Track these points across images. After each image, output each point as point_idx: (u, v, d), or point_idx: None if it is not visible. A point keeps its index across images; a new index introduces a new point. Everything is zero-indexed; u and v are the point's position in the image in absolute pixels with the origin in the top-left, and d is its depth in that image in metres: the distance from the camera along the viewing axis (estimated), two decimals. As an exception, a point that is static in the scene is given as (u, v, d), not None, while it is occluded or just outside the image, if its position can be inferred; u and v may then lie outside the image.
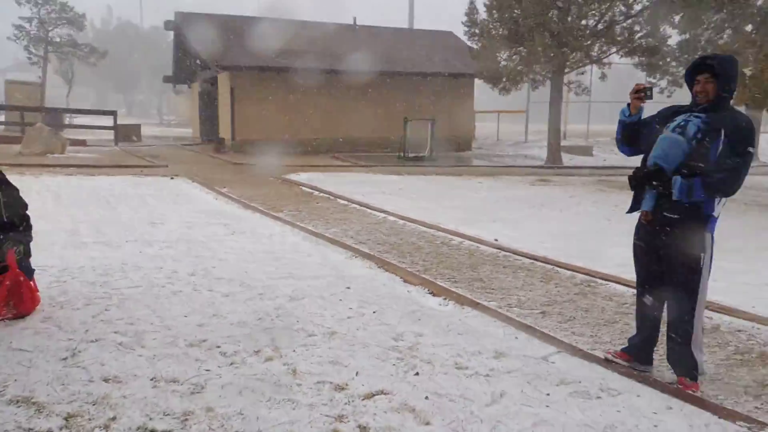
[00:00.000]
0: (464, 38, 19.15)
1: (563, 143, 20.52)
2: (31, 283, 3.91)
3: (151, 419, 2.62)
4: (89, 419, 2.60)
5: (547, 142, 18.50)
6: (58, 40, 29.66)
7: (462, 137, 21.84)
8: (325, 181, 11.91)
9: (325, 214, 8.48)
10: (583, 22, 16.24)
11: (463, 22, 17.50)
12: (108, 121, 21.45)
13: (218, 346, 3.45)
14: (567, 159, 18.94)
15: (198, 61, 21.22)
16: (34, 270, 4.03)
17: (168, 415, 2.66)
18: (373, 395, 2.91)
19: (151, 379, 3.00)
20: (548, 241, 6.95)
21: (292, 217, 8.06)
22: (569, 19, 15.91)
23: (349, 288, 4.77)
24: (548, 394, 3.00)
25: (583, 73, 18.21)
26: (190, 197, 9.39)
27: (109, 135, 21.03)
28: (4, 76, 33.70)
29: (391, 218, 8.21)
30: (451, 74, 21.18)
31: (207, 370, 3.13)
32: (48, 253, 5.37)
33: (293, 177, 12.56)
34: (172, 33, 23.12)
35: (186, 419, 2.63)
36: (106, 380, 2.97)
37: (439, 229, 7.47)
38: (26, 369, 3.04)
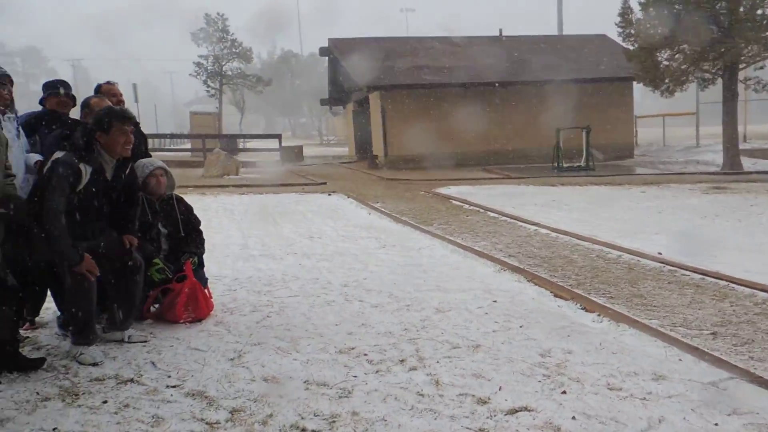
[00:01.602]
0: (618, 40, 18.08)
1: (743, 146, 18.43)
2: (206, 290, 4.37)
3: (302, 419, 2.80)
4: (250, 414, 2.84)
5: (722, 145, 16.75)
6: (230, 73, 33.02)
7: (622, 144, 20.56)
8: (475, 194, 11.86)
9: (475, 227, 8.44)
10: (759, 11, 14.52)
11: (616, 24, 16.54)
12: (274, 143, 23.36)
13: (365, 354, 3.59)
14: (748, 163, 16.96)
15: (351, 83, 22.33)
16: (207, 279, 4.51)
17: (317, 416, 2.83)
18: (516, 411, 2.84)
19: (304, 382, 3.20)
20: (722, 255, 6.27)
21: (441, 230, 8.13)
22: (741, 9, 14.33)
23: (496, 301, 4.70)
24: (716, 424, 2.71)
25: (762, 68, 16.26)
26: (346, 212, 9.87)
27: (276, 156, 22.87)
28: (189, 109, 38.11)
29: (543, 231, 7.95)
30: (606, 79, 20.10)
31: (354, 377, 3.27)
32: (222, 265, 5.97)
33: (443, 191, 12.67)
34: (327, 59, 24.62)
35: (333, 421, 2.77)
36: (265, 380, 3.23)
37: (595, 242, 7.08)
38: (201, 366, 3.41)
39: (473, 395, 3.02)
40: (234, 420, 2.79)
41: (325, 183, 14.61)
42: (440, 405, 2.92)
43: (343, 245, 7.09)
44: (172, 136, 30.40)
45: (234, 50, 32.90)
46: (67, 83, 4.31)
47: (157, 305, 4.22)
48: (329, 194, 12.20)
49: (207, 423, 2.75)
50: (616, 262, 6.22)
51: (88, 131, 3.52)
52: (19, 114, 3.96)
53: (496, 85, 19.21)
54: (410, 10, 68.16)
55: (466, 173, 16.77)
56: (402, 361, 3.48)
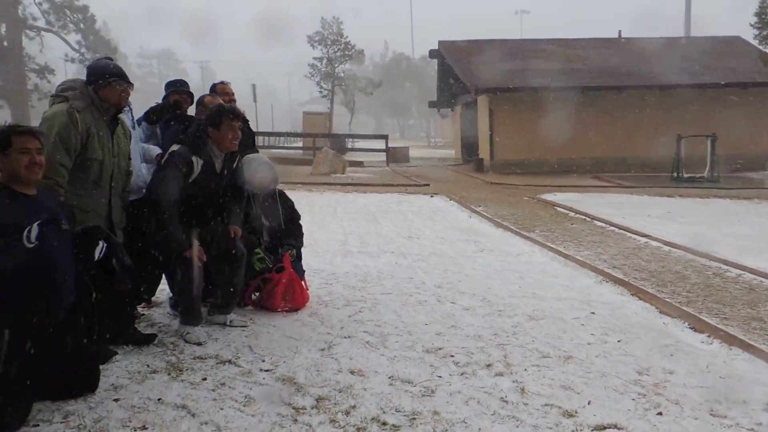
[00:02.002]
0: (755, 42, 16.60)
1: None
2: (303, 282, 4.55)
3: (384, 412, 2.85)
4: (334, 404, 2.93)
5: None
6: (342, 75, 34.03)
7: (754, 155, 18.86)
8: (582, 202, 11.40)
9: (579, 236, 8.12)
10: None
11: (752, 24, 15.21)
12: (381, 144, 23.78)
13: (452, 356, 3.58)
14: None
15: (459, 85, 22.24)
16: (305, 271, 4.69)
17: (399, 411, 2.86)
18: (605, 428, 2.72)
19: (389, 377, 3.25)
20: None
21: (543, 237, 7.90)
22: None
23: (594, 313, 4.51)
24: (836, 465, 2.44)
25: None
26: (446, 214, 9.86)
27: (382, 157, 23.27)
28: (302, 108, 39.69)
29: (654, 243, 7.49)
30: (738, 83, 18.52)
31: (439, 377, 3.27)
32: (322, 259, 6.18)
33: (549, 197, 12.29)
34: (436, 61, 24.70)
35: (414, 418, 2.80)
36: (352, 372, 3.31)
37: (712, 258, 6.57)
38: (293, 354, 3.56)
39: (559, 407, 2.92)
40: (319, 407, 2.89)
41: (428, 185, 14.67)
42: (524, 413, 2.85)
43: (441, 247, 7.09)
44: (285, 134, 31.74)
45: (347, 53, 33.90)
46: (186, 82, 4.67)
47: (257, 293, 4.45)
48: (431, 196, 12.24)
49: (294, 408, 2.88)
50: (735, 281, 5.74)
51: (201, 127, 3.80)
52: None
53: (612, 88, 18.32)
54: (525, 12, 66.75)
55: (575, 180, 16.16)
56: (488, 365, 3.44)
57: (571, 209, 10.49)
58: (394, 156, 23.81)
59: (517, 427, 2.72)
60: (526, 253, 6.86)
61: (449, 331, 4.03)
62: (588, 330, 4.11)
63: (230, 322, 4.01)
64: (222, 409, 2.84)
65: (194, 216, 3.78)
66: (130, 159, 3.68)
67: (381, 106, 61.35)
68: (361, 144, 29.31)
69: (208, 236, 3.80)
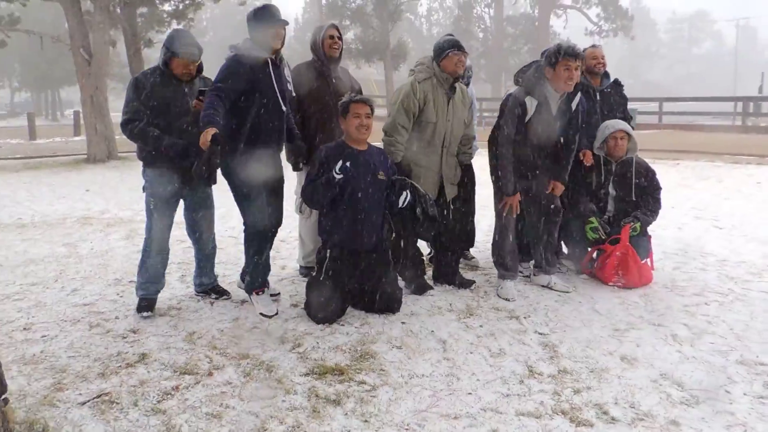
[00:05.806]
0: None
1: None
2: (645, 262, 4.13)
3: (615, 404, 2.56)
4: (573, 380, 2.78)
5: None
6: None
7: None
8: None
9: None
10: None
11: None
12: None
13: (769, 374, 2.77)
14: None
15: None
16: (650, 250, 4.22)
17: (632, 408, 2.52)
18: None
19: (660, 374, 2.82)
20: None
21: None
22: None
23: None
24: None
25: None
26: None
27: None
28: None
29: None
30: None
31: (726, 392, 2.65)
32: (724, 243, 5.32)
33: None
34: None
35: (641, 419, 2.43)
36: (622, 359, 3.00)
37: None
38: (581, 326, 3.41)
39: None
40: (555, 378, 2.80)
41: None
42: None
43: None
44: (747, 98, 21.49)
45: None
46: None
47: (594, 263, 4.30)
48: None
49: (530, 370, 2.88)
50: None
51: (539, 67, 3.83)
52: None
53: None
54: None
55: None
56: (815, 400, 2.53)
57: None
58: None
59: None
60: None
61: (802, 347, 3.06)
62: None
63: (553, 284, 4.07)
64: (471, 353, 3.08)
65: (527, 163, 3.89)
66: (468, 124, 4.08)
67: None
68: None
69: (530, 190, 3.95)
